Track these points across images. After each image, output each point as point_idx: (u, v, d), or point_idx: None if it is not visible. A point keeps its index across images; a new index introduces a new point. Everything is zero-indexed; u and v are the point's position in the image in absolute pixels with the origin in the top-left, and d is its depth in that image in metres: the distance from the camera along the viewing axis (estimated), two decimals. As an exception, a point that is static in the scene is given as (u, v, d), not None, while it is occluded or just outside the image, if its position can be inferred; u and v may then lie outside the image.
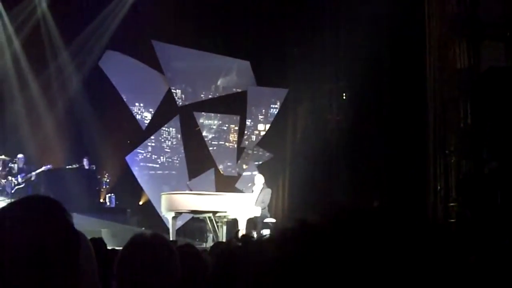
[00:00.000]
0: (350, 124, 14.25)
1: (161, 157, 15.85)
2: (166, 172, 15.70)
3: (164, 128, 15.88)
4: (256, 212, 12.19)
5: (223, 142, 16.03)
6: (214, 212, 12.31)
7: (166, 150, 15.95)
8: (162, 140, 15.90)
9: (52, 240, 1.61)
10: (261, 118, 16.00)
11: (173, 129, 15.97)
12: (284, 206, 15.16)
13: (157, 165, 15.79)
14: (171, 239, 9.77)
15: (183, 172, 15.77)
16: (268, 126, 15.96)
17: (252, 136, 16.00)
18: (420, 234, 1.01)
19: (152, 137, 15.81)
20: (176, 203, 12.32)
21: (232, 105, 15.87)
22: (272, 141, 15.71)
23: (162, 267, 2.52)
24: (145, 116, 15.80)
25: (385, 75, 13.26)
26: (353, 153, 14.08)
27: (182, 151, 15.83)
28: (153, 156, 15.78)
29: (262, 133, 15.94)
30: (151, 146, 15.84)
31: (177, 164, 15.83)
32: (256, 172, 14.67)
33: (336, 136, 14.64)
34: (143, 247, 2.56)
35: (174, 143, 15.92)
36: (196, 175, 15.79)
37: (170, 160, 15.86)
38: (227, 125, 16.06)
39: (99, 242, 4.45)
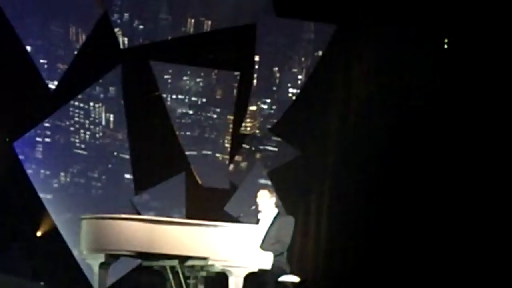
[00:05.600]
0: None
1: (61, 176, 13.78)
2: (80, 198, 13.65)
3: (78, 104, 13.73)
4: (264, 261, 9.90)
5: (204, 124, 14.00)
6: (182, 259, 10.05)
7: (80, 151, 13.85)
8: (72, 129, 13.73)
9: None
10: (281, 80, 13.83)
11: (98, 105, 13.87)
12: (319, 251, 13.28)
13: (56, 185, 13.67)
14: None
15: (122, 181, 13.92)
16: (292, 95, 13.72)
17: (261, 113, 13.94)
18: None
19: (47, 124, 13.62)
20: (109, 238, 10.15)
21: (227, 51, 13.59)
22: (298, 126, 13.52)
23: None
24: (57, 70, 13.55)
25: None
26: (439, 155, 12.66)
27: (125, 146, 13.75)
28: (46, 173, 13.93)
29: (282, 109, 13.79)
30: (43, 143, 13.78)
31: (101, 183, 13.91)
32: (264, 182, 13.28)
33: (417, 117, 12.93)
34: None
35: (100, 134, 13.90)
36: (150, 185, 13.78)
37: (83, 180, 13.85)
38: (214, 91, 13.96)
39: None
